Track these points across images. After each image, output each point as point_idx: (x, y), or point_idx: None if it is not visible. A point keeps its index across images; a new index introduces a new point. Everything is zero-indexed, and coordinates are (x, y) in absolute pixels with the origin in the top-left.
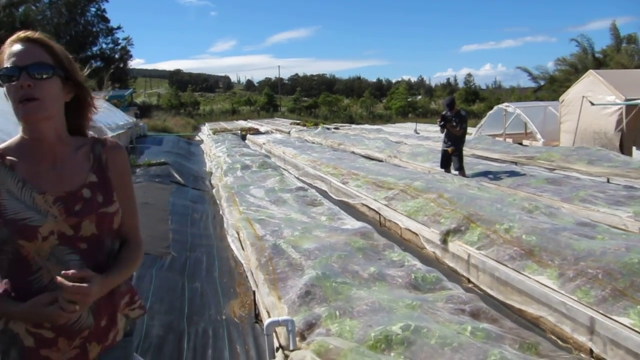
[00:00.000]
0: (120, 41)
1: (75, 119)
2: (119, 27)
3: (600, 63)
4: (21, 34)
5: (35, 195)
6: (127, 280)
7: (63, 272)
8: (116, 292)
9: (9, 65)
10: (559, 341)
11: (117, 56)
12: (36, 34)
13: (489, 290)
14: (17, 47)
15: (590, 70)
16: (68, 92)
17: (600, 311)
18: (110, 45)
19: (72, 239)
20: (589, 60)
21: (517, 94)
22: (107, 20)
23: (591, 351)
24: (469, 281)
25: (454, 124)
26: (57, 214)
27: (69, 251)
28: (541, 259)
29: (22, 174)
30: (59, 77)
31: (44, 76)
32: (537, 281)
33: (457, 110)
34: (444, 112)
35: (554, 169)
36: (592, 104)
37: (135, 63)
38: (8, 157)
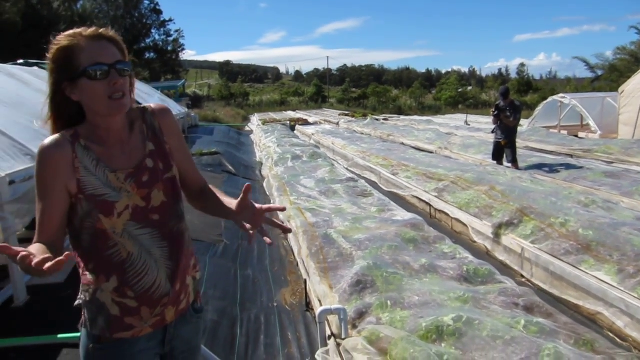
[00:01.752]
0: (172, 33)
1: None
2: (170, 20)
3: None
4: (99, 31)
5: (109, 173)
6: (191, 243)
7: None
8: (187, 255)
9: (95, 62)
10: (617, 339)
11: (169, 48)
12: (109, 32)
13: (543, 285)
14: (100, 44)
15: None
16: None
17: None
18: (163, 37)
19: (144, 212)
20: None
21: (574, 85)
22: (159, 13)
23: None
24: (522, 276)
25: (508, 114)
26: (129, 189)
27: (140, 226)
28: (599, 254)
29: (96, 153)
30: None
31: (126, 74)
32: (595, 277)
33: (511, 100)
34: (497, 102)
35: (612, 162)
36: None
37: (186, 55)
38: (82, 138)
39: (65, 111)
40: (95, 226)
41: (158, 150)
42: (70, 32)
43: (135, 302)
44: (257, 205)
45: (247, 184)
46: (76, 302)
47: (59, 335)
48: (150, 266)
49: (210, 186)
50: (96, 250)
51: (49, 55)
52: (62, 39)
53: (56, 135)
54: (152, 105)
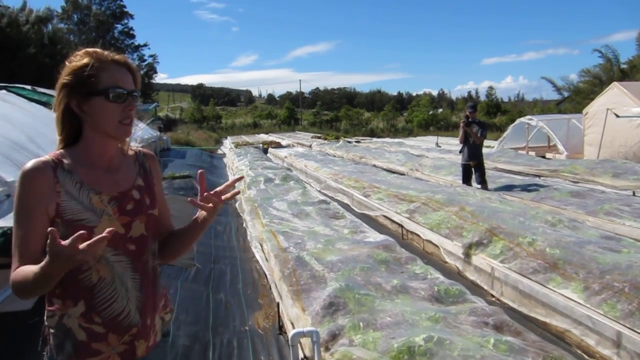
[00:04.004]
0: (146, 58)
1: None
2: (145, 45)
3: (625, 75)
4: (124, 59)
5: (92, 195)
6: (163, 284)
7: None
8: (157, 293)
9: (120, 86)
10: (585, 355)
11: (142, 72)
12: (132, 63)
13: (512, 304)
14: (123, 70)
15: (615, 82)
16: None
17: (627, 325)
18: (137, 63)
19: (122, 240)
20: (614, 72)
21: (540, 107)
22: (133, 37)
23: None
24: (492, 295)
25: (475, 129)
26: (111, 213)
27: (116, 252)
28: (565, 272)
29: (80, 177)
30: None
31: (136, 103)
32: (562, 294)
33: (478, 119)
34: (467, 114)
35: (578, 182)
36: (617, 116)
37: (159, 78)
38: (65, 162)
39: (66, 125)
40: None
41: (146, 187)
42: (98, 50)
43: (102, 328)
44: (213, 191)
45: (200, 170)
46: (42, 329)
47: None
48: (120, 294)
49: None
50: (69, 274)
51: (69, 65)
52: (88, 54)
53: (38, 159)
54: (144, 150)
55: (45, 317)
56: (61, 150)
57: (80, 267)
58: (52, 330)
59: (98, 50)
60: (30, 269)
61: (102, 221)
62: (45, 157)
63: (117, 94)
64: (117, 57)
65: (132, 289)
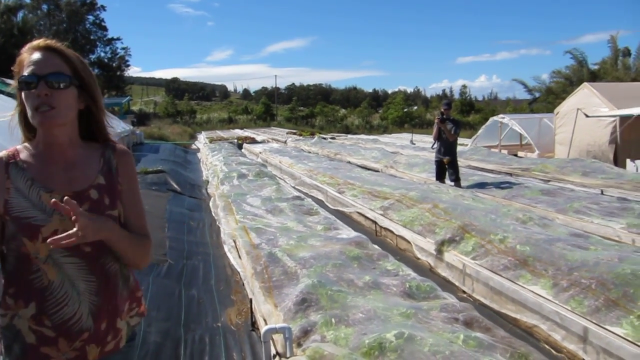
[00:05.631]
0: (118, 51)
1: (89, 125)
2: (118, 38)
3: (595, 76)
4: (41, 42)
5: (43, 193)
6: (130, 287)
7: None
8: (118, 297)
9: (28, 73)
10: (552, 350)
11: (114, 64)
12: (56, 43)
13: (483, 300)
14: (37, 55)
15: (585, 83)
16: (83, 101)
17: (594, 321)
18: (109, 55)
19: None
20: (584, 73)
21: (512, 106)
22: (105, 29)
23: None
24: (464, 291)
25: (449, 126)
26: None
27: (68, 254)
28: (535, 268)
29: (32, 173)
30: (75, 87)
31: (61, 86)
32: (531, 291)
33: (452, 116)
34: (442, 110)
35: (549, 181)
36: (587, 116)
37: (132, 71)
38: (20, 157)
39: (22, 119)
40: (19, 249)
41: (108, 186)
42: (33, 42)
43: (52, 331)
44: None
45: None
46: None
47: None
48: (71, 297)
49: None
50: (20, 274)
51: None
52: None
53: None
54: (117, 144)
55: None
56: (22, 144)
57: (30, 267)
58: (3, 331)
59: (34, 41)
60: None
61: (52, 220)
62: (2, 152)
63: (23, 81)
64: (35, 42)
65: (86, 292)
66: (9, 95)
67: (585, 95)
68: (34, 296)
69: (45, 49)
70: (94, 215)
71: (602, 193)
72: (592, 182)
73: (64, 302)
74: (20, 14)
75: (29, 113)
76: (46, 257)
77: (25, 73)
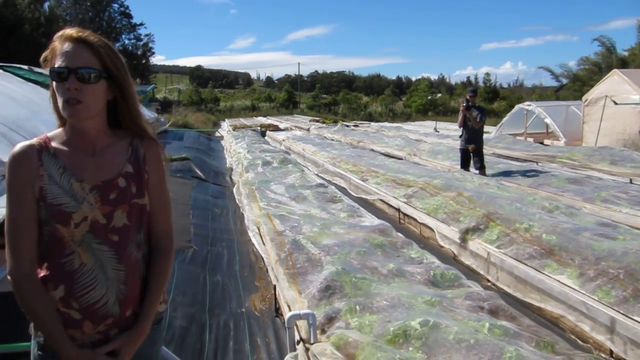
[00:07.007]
0: (142, 37)
1: (117, 114)
2: (141, 24)
3: (625, 62)
4: (74, 32)
5: (74, 182)
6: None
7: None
8: (142, 284)
9: (59, 65)
10: (578, 340)
11: (139, 52)
12: (88, 36)
13: (507, 289)
14: (69, 46)
15: (615, 70)
16: (111, 92)
17: (621, 311)
18: (133, 42)
19: (104, 229)
20: (613, 60)
21: (539, 93)
22: (130, 17)
23: (611, 351)
24: (488, 280)
25: (475, 113)
26: (92, 201)
27: (99, 241)
28: (561, 258)
29: (64, 161)
30: (104, 79)
31: (91, 79)
32: (557, 280)
33: (477, 104)
34: (467, 97)
35: (576, 169)
36: (616, 103)
37: (156, 59)
38: (53, 144)
39: (56, 106)
40: (54, 233)
41: (135, 175)
42: (66, 31)
43: (79, 314)
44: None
45: None
46: None
47: (12, 345)
48: (99, 282)
49: (156, 271)
50: (51, 257)
51: None
52: (56, 36)
53: (24, 143)
54: (146, 134)
55: None
56: (55, 131)
57: (63, 251)
58: None
59: (67, 30)
60: (45, 316)
61: (81, 207)
62: (32, 140)
63: (55, 72)
64: (68, 31)
65: (114, 279)
66: (38, 83)
67: (615, 82)
68: (63, 279)
69: (77, 41)
70: (125, 337)
71: (630, 182)
72: (620, 170)
73: (92, 286)
74: (46, 4)
75: (60, 104)
76: (80, 240)
77: (57, 64)
